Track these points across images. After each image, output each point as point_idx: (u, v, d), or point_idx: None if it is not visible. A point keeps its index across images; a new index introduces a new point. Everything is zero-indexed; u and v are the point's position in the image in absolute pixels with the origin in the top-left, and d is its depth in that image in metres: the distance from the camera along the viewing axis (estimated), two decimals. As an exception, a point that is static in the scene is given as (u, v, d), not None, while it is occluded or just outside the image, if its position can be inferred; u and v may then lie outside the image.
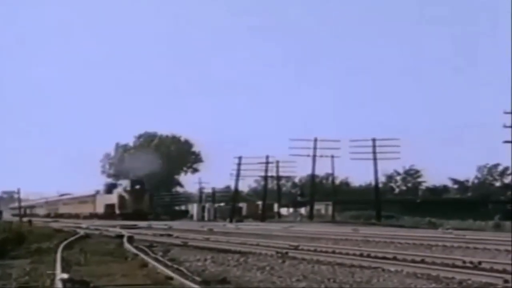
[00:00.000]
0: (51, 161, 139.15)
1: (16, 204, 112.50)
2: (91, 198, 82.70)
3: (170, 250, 18.92)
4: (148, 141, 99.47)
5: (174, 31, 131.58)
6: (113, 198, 74.42)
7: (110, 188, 78.89)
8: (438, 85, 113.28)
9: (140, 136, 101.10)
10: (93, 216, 76.67)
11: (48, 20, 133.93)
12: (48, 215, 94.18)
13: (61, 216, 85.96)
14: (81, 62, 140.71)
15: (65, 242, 21.73)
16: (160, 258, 15.87)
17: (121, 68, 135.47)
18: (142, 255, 16.46)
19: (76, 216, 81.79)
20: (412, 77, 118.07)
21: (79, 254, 17.42)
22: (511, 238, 19.34)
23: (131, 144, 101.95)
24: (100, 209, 76.93)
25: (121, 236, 25.55)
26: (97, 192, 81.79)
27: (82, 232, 31.05)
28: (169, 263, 14.46)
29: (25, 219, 54.45)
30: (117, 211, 71.41)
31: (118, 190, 75.12)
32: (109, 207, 74.20)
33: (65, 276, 11.32)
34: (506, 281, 11.06)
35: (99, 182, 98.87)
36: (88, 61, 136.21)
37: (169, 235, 27.33)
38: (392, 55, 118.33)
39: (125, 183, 75.71)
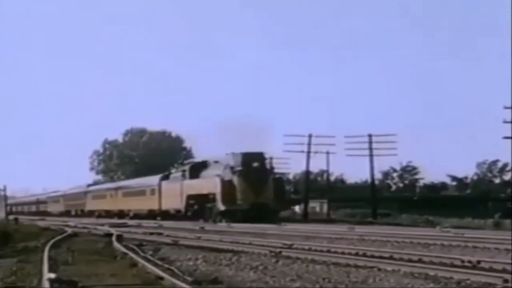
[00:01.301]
0: (37, 158, 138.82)
1: (13, 201, 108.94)
2: (153, 187, 55.40)
3: (160, 249, 18.69)
4: (138, 136, 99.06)
5: (163, 26, 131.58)
6: (207, 185, 45.44)
7: (196, 169, 49.41)
8: (436, 80, 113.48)
9: (127, 132, 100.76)
10: (155, 214, 52.54)
11: (37, 14, 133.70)
12: (66, 213, 76.48)
13: (91, 214, 67.62)
14: (70, 58, 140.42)
15: (52, 241, 21.53)
16: (150, 258, 15.65)
17: (110, 63, 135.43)
18: (131, 254, 16.23)
19: (120, 215, 59.88)
20: (410, 72, 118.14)
21: (66, 253, 17.22)
22: (511, 236, 19.10)
23: (120, 140, 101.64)
24: (173, 203, 49.96)
25: (110, 235, 25.31)
26: (165, 176, 54.96)
27: (69, 230, 30.79)
28: (159, 263, 14.24)
29: (11, 217, 53.62)
30: (220, 207, 43.02)
31: (218, 172, 45.05)
32: (197, 199, 46.47)
33: (53, 275, 11.08)
34: (505, 280, 10.83)
35: (89, 178, 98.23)
36: (77, 56, 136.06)
37: (159, 234, 27.06)
38: (389, 50, 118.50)
39: (230, 160, 44.72)
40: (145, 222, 43.64)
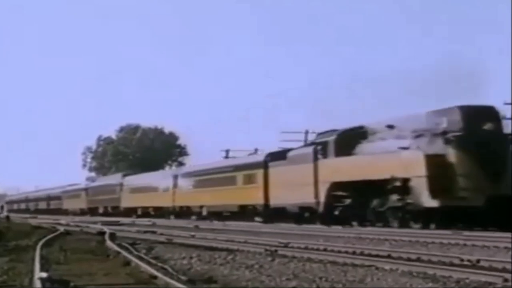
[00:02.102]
0: (29, 156, 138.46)
1: (14, 197, 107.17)
2: (251, 172, 38.99)
3: (154, 248, 18.51)
4: (131, 133, 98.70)
5: (156, 21, 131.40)
6: (386, 164, 26.64)
7: (346, 140, 30.90)
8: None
9: (122, 129, 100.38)
10: (254, 212, 38.25)
11: (30, 8, 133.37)
12: (90, 211, 62.76)
13: (130, 212, 53.10)
14: (63, 54, 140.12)
15: (44, 240, 21.34)
16: (144, 256, 15.46)
17: (103, 59, 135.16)
18: (124, 253, 16.03)
19: (180, 212, 46.32)
20: (408, 69, 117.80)
21: (58, 252, 17.03)
22: (511, 235, 18.93)
23: (113, 136, 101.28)
24: (295, 196, 33.22)
25: (102, 233, 25.16)
26: (274, 155, 37.59)
27: (62, 229, 30.59)
28: (153, 261, 14.05)
29: (2, 215, 53.38)
30: (427, 202, 24.57)
31: (401, 143, 26.70)
32: (354, 189, 29.32)
33: (44, 275, 10.86)
34: (505, 280, 10.64)
35: (82, 176, 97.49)
36: (69, 52, 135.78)
37: (153, 232, 26.91)
38: (386, 45, 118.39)
39: (435, 119, 26.24)
40: (138, 221, 43.56)
